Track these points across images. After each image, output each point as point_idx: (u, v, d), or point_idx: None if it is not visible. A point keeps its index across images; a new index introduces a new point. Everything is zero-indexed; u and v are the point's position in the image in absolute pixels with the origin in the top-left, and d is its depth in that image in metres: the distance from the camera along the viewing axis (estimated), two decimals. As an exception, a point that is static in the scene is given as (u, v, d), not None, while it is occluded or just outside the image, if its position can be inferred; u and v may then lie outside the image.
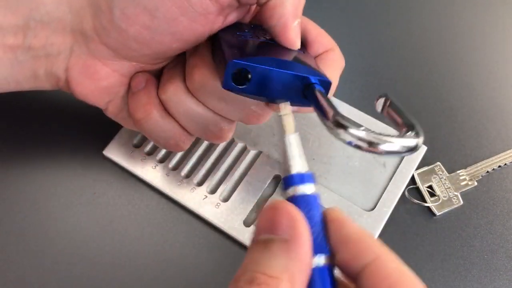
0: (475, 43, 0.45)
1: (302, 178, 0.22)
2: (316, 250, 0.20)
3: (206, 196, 0.37)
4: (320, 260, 0.20)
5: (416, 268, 0.35)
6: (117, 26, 0.29)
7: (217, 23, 0.30)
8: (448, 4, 0.47)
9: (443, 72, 0.43)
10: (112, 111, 0.34)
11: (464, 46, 0.45)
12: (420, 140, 0.25)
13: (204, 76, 0.30)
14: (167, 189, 0.38)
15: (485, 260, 0.36)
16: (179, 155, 0.39)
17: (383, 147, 0.24)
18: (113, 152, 0.39)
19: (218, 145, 0.39)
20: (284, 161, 0.23)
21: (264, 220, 0.21)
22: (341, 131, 0.24)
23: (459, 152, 0.40)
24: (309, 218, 0.21)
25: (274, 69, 0.27)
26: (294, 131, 0.24)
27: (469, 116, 0.41)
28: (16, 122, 0.41)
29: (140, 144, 0.39)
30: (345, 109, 0.40)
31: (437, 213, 0.37)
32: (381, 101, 0.28)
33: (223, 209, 0.37)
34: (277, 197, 0.38)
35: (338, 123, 0.25)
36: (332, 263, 0.21)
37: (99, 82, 0.32)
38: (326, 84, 0.28)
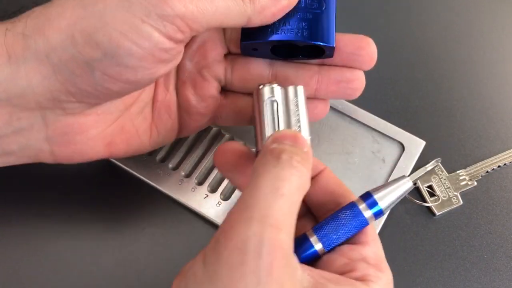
0: (475, 43, 0.45)
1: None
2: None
3: (207, 195, 0.37)
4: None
5: (416, 268, 0.36)
6: (99, 86, 0.28)
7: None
8: (448, 4, 0.47)
9: (443, 72, 0.43)
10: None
11: (464, 46, 0.45)
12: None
13: None
14: (168, 189, 0.38)
15: (484, 260, 0.36)
16: (179, 155, 0.39)
17: None
18: (113, 151, 0.39)
19: (218, 144, 0.39)
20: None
21: None
22: None
23: (459, 152, 0.40)
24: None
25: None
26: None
27: (469, 116, 0.41)
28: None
29: (141, 143, 0.39)
30: (345, 108, 0.40)
31: (437, 213, 0.37)
32: None
33: (224, 207, 0.37)
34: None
35: None
36: None
37: (89, 131, 0.31)
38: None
